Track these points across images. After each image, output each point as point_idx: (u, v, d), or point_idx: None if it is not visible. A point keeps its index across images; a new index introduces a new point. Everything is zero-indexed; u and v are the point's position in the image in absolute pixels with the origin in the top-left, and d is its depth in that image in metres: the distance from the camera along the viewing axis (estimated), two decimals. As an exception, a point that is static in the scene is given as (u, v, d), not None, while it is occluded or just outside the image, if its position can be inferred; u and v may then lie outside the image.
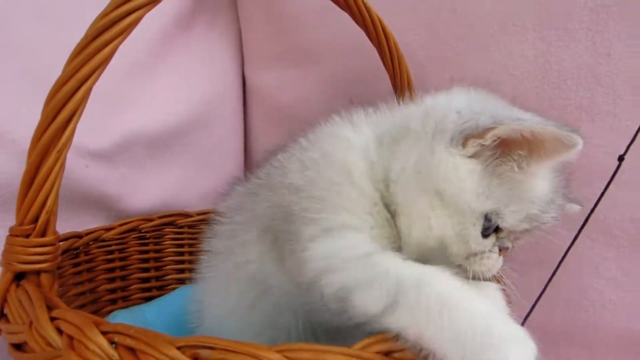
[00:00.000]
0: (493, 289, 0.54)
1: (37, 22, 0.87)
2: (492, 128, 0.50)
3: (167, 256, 1.00)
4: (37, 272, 0.52)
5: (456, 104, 0.56)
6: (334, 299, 0.48)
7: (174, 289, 0.99)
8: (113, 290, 0.91)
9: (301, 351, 0.39)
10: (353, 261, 0.48)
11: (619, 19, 0.78)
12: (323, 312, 0.52)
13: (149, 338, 0.39)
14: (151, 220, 0.97)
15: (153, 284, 0.98)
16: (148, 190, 1.02)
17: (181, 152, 1.09)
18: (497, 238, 0.54)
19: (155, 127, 1.03)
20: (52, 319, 0.45)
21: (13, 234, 0.52)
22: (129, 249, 0.93)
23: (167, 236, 1.00)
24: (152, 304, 0.92)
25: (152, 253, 0.97)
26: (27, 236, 0.52)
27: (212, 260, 0.68)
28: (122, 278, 0.92)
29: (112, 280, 0.90)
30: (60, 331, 0.43)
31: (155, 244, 0.98)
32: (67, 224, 0.84)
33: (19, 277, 0.53)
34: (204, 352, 0.39)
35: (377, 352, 0.42)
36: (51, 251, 0.53)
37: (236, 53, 1.22)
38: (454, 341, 0.41)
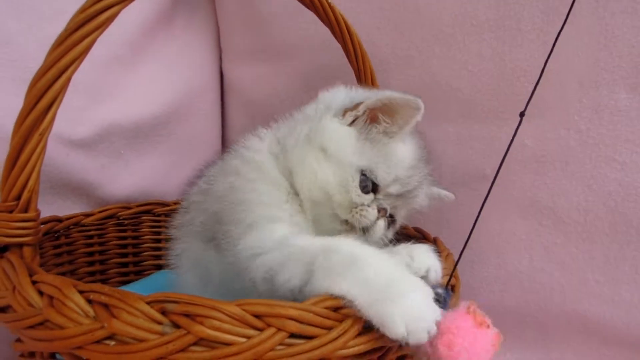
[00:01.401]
0: (425, 249, 0.63)
1: (18, 16, 0.91)
2: (362, 102, 0.66)
3: (145, 243, 1.04)
4: (20, 245, 0.57)
5: (340, 93, 0.72)
6: (262, 281, 0.56)
7: (151, 273, 1.03)
8: (92, 273, 0.95)
9: (257, 305, 0.45)
10: (272, 246, 0.57)
11: (567, 21, 0.84)
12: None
13: (120, 295, 0.44)
14: (129, 208, 1.01)
15: (131, 268, 1.02)
16: (127, 179, 1.06)
17: (159, 142, 1.13)
18: (375, 198, 0.66)
19: (134, 119, 1.07)
20: (34, 282, 0.49)
21: (-3, 209, 0.56)
22: (107, 235, 0.97)
23: (145, 224, 1.04)
24: (130, 287, 0.96)
25: (130, 239, 1.02)
26: (11, 212, 0.56)
27: (176, 248, 0.76)
28: (101, 262, 0.97)
29: (91, 263, 0.95)
30: (41, 293, 0.48)
31: (133, 230, 1.02)
32: (49, 208, 0.88)
33: (3, 250, 0.57)
34: (169, 306, 0.44)
35: (327, 308, 0.47)
36: (33, 226, 0.57)
37: (214, 48, 1.27)
38: (364, 292, 0.49)
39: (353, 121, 0.67)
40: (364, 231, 0.66)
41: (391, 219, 0.70)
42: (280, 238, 0.58)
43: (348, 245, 0.55)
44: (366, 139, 0.66)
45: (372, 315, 0.48)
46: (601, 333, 0.89)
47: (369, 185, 0.65)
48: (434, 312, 0.51)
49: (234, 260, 0.59)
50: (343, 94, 0.71)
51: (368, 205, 0.65)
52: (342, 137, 0.66)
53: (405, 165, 0.67)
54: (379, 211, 0.66)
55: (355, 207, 0.65)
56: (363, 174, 0.65)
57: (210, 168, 0.76)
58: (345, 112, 0.67)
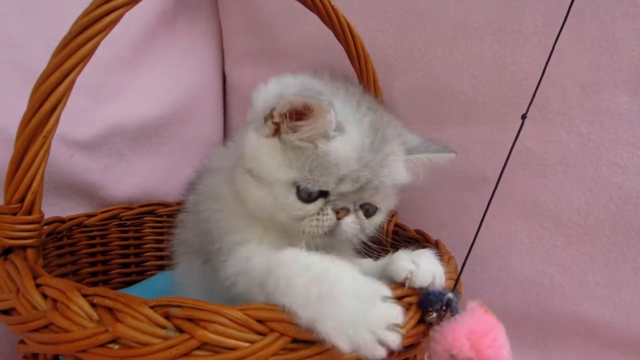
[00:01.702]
0: (428, 256, 0.61)
1: (22, 19, 0.91)
2: (274, 108, 0.57)
3: (147, 243, 1.04)
4: (24, 247, 0.57)
5: (261, 96, 0.60)
6: (244, 295, 0.56)
7: (153, 274, 1.04)
8: (94, 274, 0.96)
9: (260, 310, 0.45)
10: (242, 267, 0.58)
11: (568, 25, 0.84)
12: None
13: (125, 299, 0.45)
14: (132, 209, 1.02)
15: (133, 269, 1.02)
16: (129, 180, 1.07)
17: (162, 144, 1.14)
18: (328, 200, 0.60)
19: (137, 120, 1.08)
20: (37, 285, 0.49)
21: (1, 212, 0.56)
22: (110, 235, 0.98)
23: (147, 224, 1.04)
24: (132, 289, 0.97)
25: (132, 240, 1.02)
26: (15, 214, 0.56)
27: (180, 249, 0.78)
28: (104, 262, 0.97)
29: (93, 264, 0.95)
30: (45, 296, 0.48)
31: (136, 231, 1.03)
32: (52, 209, 0.89)
33: (6, 252, 0.57)
34: (173, 310, 0.44)
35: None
36: (36, 228, 0.57)
37: (217, 50, 1.27)
38: (304, 304, 0.47)
39: (276, 130, 0.59)
40: (331, 234, 0.61)
41: (367, 207, 0.64)
42: (245, 259, 0.59)
43: (281, 262, 0.53)
44: (291, 147, 0.58)
45: (319, 332, 0.46)
46: (602, 335, 0.89)
47: (313, 193, 0.59)
48: (384, 315, 0.47)
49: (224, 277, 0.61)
50: (263, 98, 0.59)
51: (319, 212, 0.60)
52: (263, 153, 0.59)
53: (349, 162, 0.58)
54: (337, 212, 0.60)
55: (304, 219, 0.60)
56: (297, 186, 0.59)
57: (197, 184, 0.75)
58: (265, 121, 0.58)
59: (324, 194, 0.60)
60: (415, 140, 0.67)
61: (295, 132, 0.58)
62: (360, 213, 0.63)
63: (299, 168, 0.58)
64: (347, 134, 0.58)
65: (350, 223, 0.61)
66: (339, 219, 0.60)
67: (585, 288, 0.90)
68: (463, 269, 0.60)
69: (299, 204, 0.59)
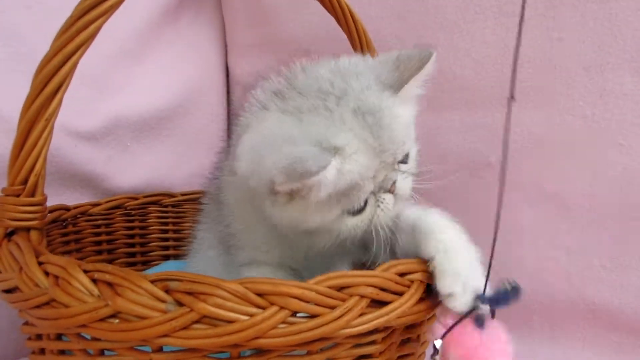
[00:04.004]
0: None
1: (27, 9, 0.92)
2: (274, 183, 0.51)
3: (152, 233, 1.05)
4: (27, 229, 0.57)
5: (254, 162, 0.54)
6: None
7: (158, 264, 1.04)
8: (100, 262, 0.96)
9: (260, 283, 0.45)
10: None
11: (569, 6, 0.84)
12: None
13: (125, 273, 0.45)
14: (136, 199, 1.02)
15: (138, 258, 1.03)
16: (133, 171, 1.07)
17: (166, 135, 1.14)
18: (375, 194, 0.57)
19: (140, 112, 1.08)
20: (40, 263, 0.50)
21: (5, 193, 0.57)
22: (115, 225, 0.98)
23: (152, 214, 1.05)
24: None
25: (137, 229, 1.02)
26: (18, 196, 0.56)
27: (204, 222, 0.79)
28: (109, 251, 0.98)
29: (99, 252, 0.96)
30: (47, 273, 0.49)
31: (141, 221, 1.03)
32: (57, 199, 0.89)
33: (10, 234, 0.58)
34: (173, 284, 0.44)
35: (330, 287, 0.47)
36: (39, 210, 0.57)
37: (220, 42, 1.28)
38: None
39: (290, 194, 0.54)
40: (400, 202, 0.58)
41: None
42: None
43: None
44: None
45: None
46: (608, 319, 0.89)
47: (357, 209, 0.57)
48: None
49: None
50: (249, 168, 0.54)
51: (378, 205, 0.57)
52: (294, 216, 0.56)
53: (365, 175, 0.54)
54: (389, 191, 0.57)
55: (370, 221, 0.57)
56: (344, 212, 0.56)
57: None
58: (274, 193, 0.54)
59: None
60: (390, 73, 0.59)
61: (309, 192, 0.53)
62: (401, 171, 0.59)
63: (335, 204, 0.55)
64: (348, 155, 0.53)
65: (402, 183, 0.58)
66: (392, 191, 0.57)
67: (591, 272, 0.89)
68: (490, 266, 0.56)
69: (358, 218, 0.57)
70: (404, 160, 0.59)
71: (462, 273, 0.54)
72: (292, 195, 0.54)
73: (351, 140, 0.53)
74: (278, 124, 0.56)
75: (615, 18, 0.81)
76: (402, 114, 0.58)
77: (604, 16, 0.81)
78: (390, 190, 0.57)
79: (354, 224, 0.57)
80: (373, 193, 0.57)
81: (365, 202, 0.57)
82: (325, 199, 0.53)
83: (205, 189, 0.81)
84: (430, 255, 0.55)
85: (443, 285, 0.53)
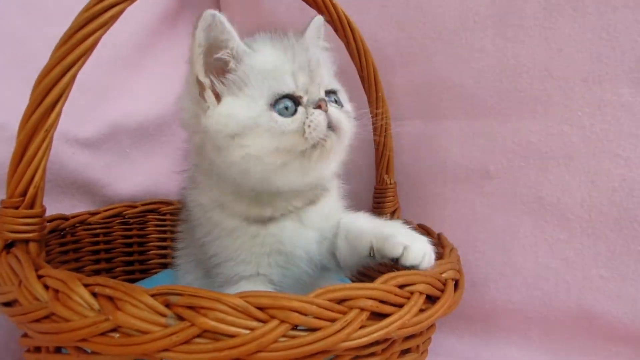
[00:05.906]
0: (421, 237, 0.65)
1: (26, 16, 0.92)
2: (200, 81, 0.66)
3: (150, 241, 1.05)
4: (26, 241, 0.57)
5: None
6: None
7: (156, 272, 1.04)
8: (98, 272, 0.96)
9: (261, 297, 0.45)
10: None
11: (568, 17, 0.85)
12: None
13: (125, 288, 0.45)
14: (135, 207, 1.02)
15: (137, 267, 1.03)
16: (132, 179, 1.07)
17: (164, 142, 1.14)
18: (306, 106, 0.64)
19: (139, 118, 1.08)
20: (39, 277, 0.50)
21: (3, 205, 0.57)
22: (113, 233, 0.98)
23: (150, 222, 1.05)
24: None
25: (136, 238, 1.02)
26: (17, 208, 0.56)
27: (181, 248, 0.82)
28: (107, 260, 0.97)
29: (97, 261, 0.95)
30: (46, 287, 0.48)
31: (139, 229, 1.03)
32: (55, 206, 0.89)
33: (9, 246, 0.58)
34: (173, 298, 0.44)
35: (330, 300, 0.47)
36: (38, 222, 0.57)
37: (218, 49, 1.28)
38: None
39: (214, 92, 0.65)
40: (333, 130, 0.63)
41: (333, 98, 0.69)
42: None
43: None
44: (238, 89, 0.64)
45: None
46: (606, 328, 0.89)
47: (288, 104, 0.63)
48: None
49: None
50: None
51: (308, 117, 0.63)
52: (225, 114, 0.63)
53: (281, 71, 0.64)
54: (319, 107, 0.63)
55: (303, 134, 0.62)
56: (273, 105, 0.63)
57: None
58: (199, 91, 0.66)
59: (297, 103, 0.64)
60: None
61: (224, 73, 0.64)
62: (334, 105, 0.67)
63: (260, 95, 0.63)
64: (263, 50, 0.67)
65: (336, 111, 0.65)
66: (325, 110, 0.63)
67: (589, 282, 0.89)
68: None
69: (287, 119, 0.62)
70: (334, 94, 0.69)
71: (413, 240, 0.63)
72: (217, 95, 0.64)
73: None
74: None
75: (613, 30, 0.81)
76: (312, 50, 0.70)
77: (603, 27, 0.82)
78: (321, 108, 0.63)
79: (284, 125, 0.62)
80: (303, 106, 0.64)
81: (295, 110, 0.63)
82: (244, 87, 0.63)
83: (178, 216, 0.85)
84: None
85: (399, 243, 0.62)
